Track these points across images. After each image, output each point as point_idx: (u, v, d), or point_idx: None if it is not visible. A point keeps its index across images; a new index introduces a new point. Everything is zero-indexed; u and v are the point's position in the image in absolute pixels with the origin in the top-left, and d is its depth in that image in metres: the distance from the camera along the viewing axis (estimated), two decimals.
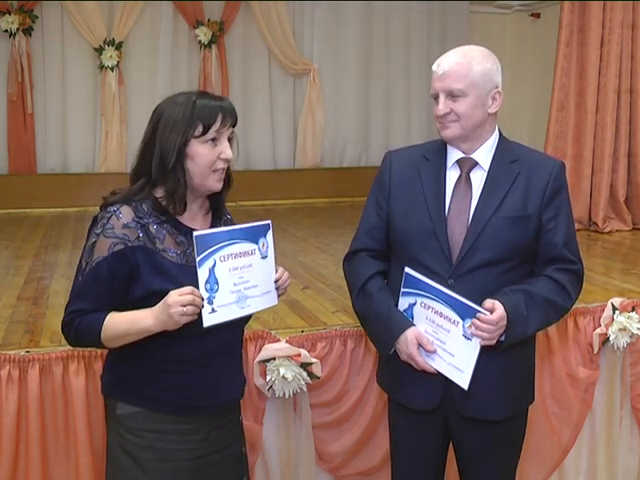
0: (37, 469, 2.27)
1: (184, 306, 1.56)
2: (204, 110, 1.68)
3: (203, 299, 1.59)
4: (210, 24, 7.02)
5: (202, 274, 1.59)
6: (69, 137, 6.84)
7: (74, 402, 2.29)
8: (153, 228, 1.70)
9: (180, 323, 1.58)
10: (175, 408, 1.75)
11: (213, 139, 1.69)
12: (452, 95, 1.85)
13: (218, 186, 1.74)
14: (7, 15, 6.39)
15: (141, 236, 1.68)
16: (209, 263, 1.60)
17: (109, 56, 6.70)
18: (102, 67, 6.72)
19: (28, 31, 6.51)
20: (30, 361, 2.28)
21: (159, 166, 1.69)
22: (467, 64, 1.84)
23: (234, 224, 1.84)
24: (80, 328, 1.70)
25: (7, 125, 6.57)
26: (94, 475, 2.30)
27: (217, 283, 1.62)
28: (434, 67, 1.90)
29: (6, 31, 6.42)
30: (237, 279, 1.67)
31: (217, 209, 1.84)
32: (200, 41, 7.02)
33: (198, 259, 1.59)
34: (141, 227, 1.68)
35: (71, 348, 2.26)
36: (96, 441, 2.31)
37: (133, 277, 1.67)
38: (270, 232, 1.76)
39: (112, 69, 6.71)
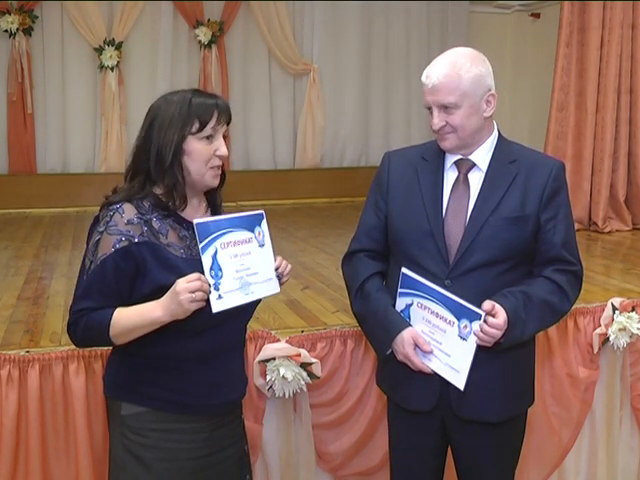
0: (37, 469, 2.27)
1: (192, 292, 1.57)
2: (200, 107, 1.71)
3: (210, 285, 1.60)
4: (210, 24, 7.02)
5: (206, 261, 1.62)
6: (69, 137, 6.83)
7: (74, 402, 2.29)
8: (156, 224, 1.72)
9: (190, 310, 1.59)
10: (178, 407, 1.75)
11: (209, 136, 1.72)
12: (445, 108, 1.83)
13: (215, 182, 1.78)
14: (7, 15, 6.38)
15: (145, 231, 1.69)
16: (211, 250, 1.63)
17: (109, 56, 6.69)
18: (102, 67, 6.72)
19: (28, 31, 6.50)
20: (30, 361, 2.27)
21: (156, 163, 1.70)
22: (456, 75, 1.81)
23: None
24: (87, 326, 1.68)
25: (7, 125, 6.56)
26: (94, 475, 2.30)
27: (221, 270, 1.64)
28: (423, 78, 1.86)
29: (6, 31, 6.41)
30: (239, 266, 1.68)
31: (214, 205, 1.87)
32: (200, 41, 7.01)
33: (201, 246, 1.61)
34: (144, 223, 1.70)
35: (71, 348, 2.26)
36: (96, 441, 2.31)
37: (139, 273, 1.68)
38: (264, 221, 1.77)
39: (112, 69, 6.71)
